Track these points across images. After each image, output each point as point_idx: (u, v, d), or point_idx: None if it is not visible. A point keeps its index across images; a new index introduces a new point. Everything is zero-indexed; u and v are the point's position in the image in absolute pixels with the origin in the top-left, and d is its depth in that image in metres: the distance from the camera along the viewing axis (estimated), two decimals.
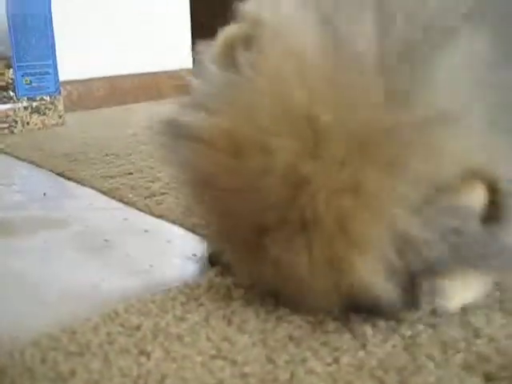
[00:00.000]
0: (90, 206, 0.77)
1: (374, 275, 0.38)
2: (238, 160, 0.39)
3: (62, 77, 1.53)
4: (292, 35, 0.40)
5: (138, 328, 0.44)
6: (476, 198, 0.39)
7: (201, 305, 0.47)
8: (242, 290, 0.49)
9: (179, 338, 0.42)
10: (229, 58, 0.42)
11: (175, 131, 0.44)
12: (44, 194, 0.84)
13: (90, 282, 0.54)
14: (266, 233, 0.40)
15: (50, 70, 1.47)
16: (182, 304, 0.47)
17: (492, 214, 0.39)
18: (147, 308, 0.47)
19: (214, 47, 0.44)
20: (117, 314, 0.46)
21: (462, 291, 0.46)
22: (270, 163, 0.38)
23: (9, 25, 1.40)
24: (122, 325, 0.44)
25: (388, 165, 0.37)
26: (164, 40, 1.89)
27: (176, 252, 0.59)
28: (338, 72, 0.38)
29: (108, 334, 0.43)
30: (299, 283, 0.41)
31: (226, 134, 0.40)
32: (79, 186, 0.88)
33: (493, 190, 0.39)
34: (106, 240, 0.64)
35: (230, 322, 0.44)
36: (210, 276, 0.52)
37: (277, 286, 0.43)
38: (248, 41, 0.42)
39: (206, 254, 0.54)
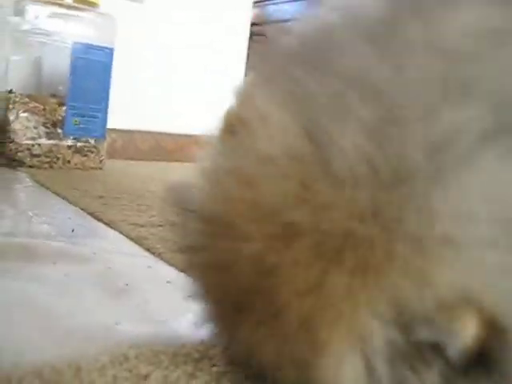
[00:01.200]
0: (115, 249, 0.76)
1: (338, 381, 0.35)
2: (214, 240, 0.39)
3: (110, 124, 1.55)
4: (267, 133, 0.38)
5: (146, 377, 0.42)
6: (465, 329, 0.34)
7: (214, 365, 0.45)
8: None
9: None
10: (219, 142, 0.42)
11: (179, 200, 0.45)
12: (72, 230, 0.84)
13: (104, 322, 0.52)
14: (240, 313, 0.39)
15: (100, 115, 1.50)
16: (195, 361, 0.45)
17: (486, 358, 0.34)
18: (158, 359, 0.45)
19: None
20: (126, 358, 0.44)
21: None
22: (241, 247, 0.37)
23: (71, 66, 1.43)
24: (130, 370, 0.42)
25: (359, 270, 0.34)
26: (213, 107, 1.93)
27: (195, 308, 0.57)
28: (312, 172, 0.35)
29: (114, 376, 0.41)
30: (269, 371, 0.38)
31: (208, 210, 0.40)
32: (108, 228, 0.88)
33: (491, 330, 0.34)
34: (126, 284, 0.62)
35: None
36: None
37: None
38: (231, 128, 0.41)
39: None
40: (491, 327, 0.34)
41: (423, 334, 0.34)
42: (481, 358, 0.34)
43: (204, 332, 0.51)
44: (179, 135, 1.94)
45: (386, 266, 0.34)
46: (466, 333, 0.34)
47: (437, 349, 0.34)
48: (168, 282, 0.64)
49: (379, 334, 0.34)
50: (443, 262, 0.34)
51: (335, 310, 0.34)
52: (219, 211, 0.39)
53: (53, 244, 0.73)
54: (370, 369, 0.35)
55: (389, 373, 0.35)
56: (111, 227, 0.88)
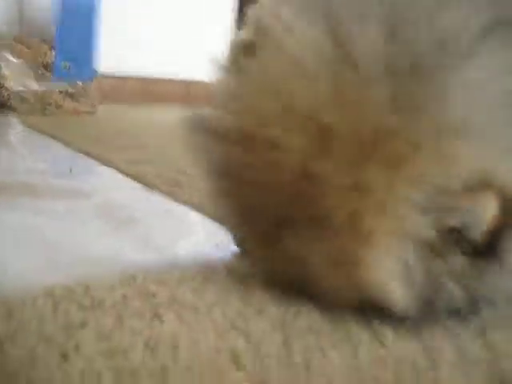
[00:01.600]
0: (114, 185, 0.77)
1: (384, 273, 0.38)
2: (249, 154, 0.41)
3: (99, 68, 1.54)
4: (293, 40, 0.40)
5: (154, 295, 0.43)
6: (485, 206, 0.38)
7: (218, 284, 0.46)
8: (262, 278, 0.48)
9: (195, 309, 0.41)
10: (235, 63, 0.44)
11: (200, 126, 0.45)
12: (70, 170, 0.84)
13: (110, 249, 0.53)
14: (283, 225, 0.41)
15: (89, 59, 1.49)
16: (201, 280, 0.46)
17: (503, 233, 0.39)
18: (165, 279, 0.46)
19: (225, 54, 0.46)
20: (134, 280, 0.45)
21: None
22: (281, 159, 0.39)
23: (58, 8, 1.41)
24: (138, 290, 0.43)
25: (394, 164, 0.37)
26: (203, 51, 1.90)
27: (198, 236, 0.59)
28: (341, 73, 0.38)
29: (123, 295, 0.42)
30: (313, 277, 0.41)
31: (238, 129, 0.42)
32: (105, 167, 0.88)
33: (508, 206, 0.38)
34: (128, 215, 0.63)
35: (248, 304, 0.43)
36: (231, 263, 0.51)
37: (294, 277, 0.43)
38: (251, 47, 0.43)
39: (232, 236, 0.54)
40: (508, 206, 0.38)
41: (450, 219, 0.38)
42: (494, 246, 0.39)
43: (207, 255, 0.52)
44: (169, 80, 1.92)
45: (414, 155, 0.37)
46: (486, 210, 0.38)
47: (460, 233, 0.38)
48: (168, 212, 0.65)
49: (415, 224, 0.37)
50: (465, 146, 0.37)
51: (376, 204, 0.37)
52: (250, 127, 0.41)
53: (52, 181, 0.74)
54: (405, 259, 0.38)
55: (420, 262, 0.39)
56: (109, 166, 0.88)
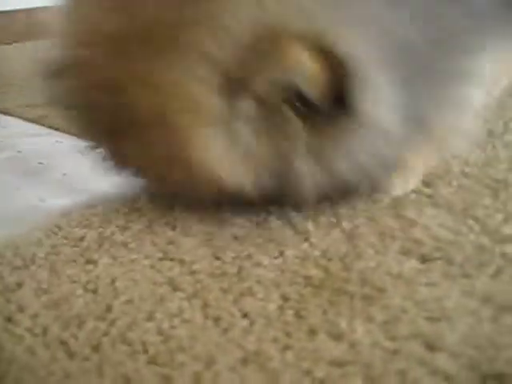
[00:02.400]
0: (19, 133, 0.75)
1: (214, 151, 0.40)
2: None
3: None
4: None
5: (83, 239, 0.44)
6: (296, 58, 0.37)
7: (143, 215, 0.47)
8: (183, 200, 0.49)
9: (124, 244, 0.43)
10: None
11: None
12: None
13: (28, 202, 0.53)
14: (119, 133, 0.43)
15: None
16: (124, 215, 0.48)
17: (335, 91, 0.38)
18: (90, 221, 0.47)
19: None
20: (59, 227, 0.46)
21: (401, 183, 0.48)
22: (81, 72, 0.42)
23: None
24: (65, 237, 0.44)
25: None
26: None
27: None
28: None
29: (52, 246, 0.43)
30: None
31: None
32: (4, 116, 0.85)
33: (326, 57, 0.37)
34: (40, 163, 0.63)
35: (173, 228, 0.45)
36: (150, 194, 0.52)
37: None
38: None
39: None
40: (326, 53, 0.37)
41: (268, 81, 0.38)
42: (339, 102, 0.38)
43: (129, 188, 0.53)
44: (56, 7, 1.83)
45: (191, 36, 0.37)
46: (301, 62, 0.37)
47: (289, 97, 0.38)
48: (80, 152, 0.65)
49: (215, 103, 0.38)
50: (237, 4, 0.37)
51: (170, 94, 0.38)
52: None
53: None
54: (234, 139, 0.39)
55: (253, 138, 0.40)
56: (8, 114, 0.85)
